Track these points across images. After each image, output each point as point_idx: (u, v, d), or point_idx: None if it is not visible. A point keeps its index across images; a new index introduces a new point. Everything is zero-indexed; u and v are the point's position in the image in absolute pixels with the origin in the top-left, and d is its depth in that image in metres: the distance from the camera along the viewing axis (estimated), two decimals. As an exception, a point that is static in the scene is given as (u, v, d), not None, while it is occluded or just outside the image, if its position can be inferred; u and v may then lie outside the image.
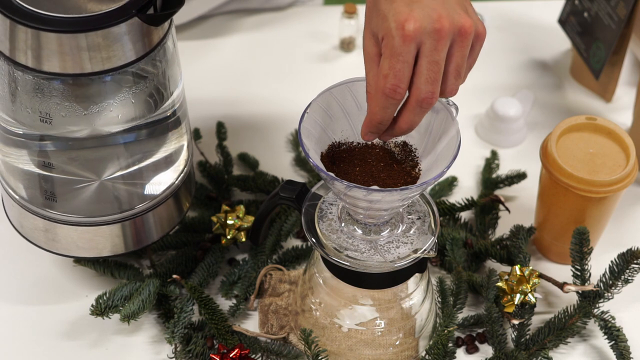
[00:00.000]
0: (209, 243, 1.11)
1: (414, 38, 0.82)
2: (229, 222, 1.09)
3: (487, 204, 1.15)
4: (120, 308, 1.02)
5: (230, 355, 0.99)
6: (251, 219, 1.10)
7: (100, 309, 1.02)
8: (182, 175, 1.05)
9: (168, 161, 1.03)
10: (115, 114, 0.94)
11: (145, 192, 1.02)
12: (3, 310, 1.07)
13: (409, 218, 0.97)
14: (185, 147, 1.05)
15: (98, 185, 0.99)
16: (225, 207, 1.10)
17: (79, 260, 1.08)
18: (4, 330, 1.06)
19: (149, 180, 1.02)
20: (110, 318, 1.03)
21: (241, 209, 1.10)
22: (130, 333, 1.05)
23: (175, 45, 0.99)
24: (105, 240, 1.03)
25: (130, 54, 0.91)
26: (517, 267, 1.05)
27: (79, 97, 0.92)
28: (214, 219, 1.10)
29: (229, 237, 1.10)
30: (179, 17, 1.37)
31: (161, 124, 1.00)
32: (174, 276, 1.07)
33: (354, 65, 1.36)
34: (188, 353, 1.02)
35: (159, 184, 1.03)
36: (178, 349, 1.02)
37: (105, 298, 1.03)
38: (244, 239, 1.10)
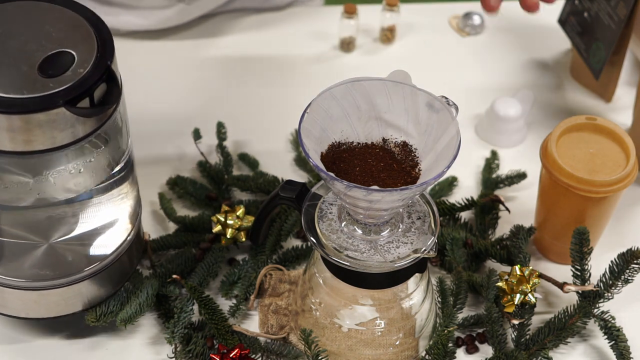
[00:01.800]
0: (209, 243, 1.11)
1: None
2: (229, 222, 1.09)
3: (487, 204, 1.15)
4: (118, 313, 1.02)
5: (231, 355, 0.99)
6: (251, 218, 1.10)
7: (96, 317, 1.02)
8: (131, 233, 1.04)
9: (117, 222, 1.01)
10: (60, 184, 0.92)
11: (94, 254, 1.00)
12: None
13: (409, 218, 0.97)
14: (132, 207, 1.03)
15: (46, 248, 0.97)
16: (225, 207, 1.10)
17: None
18: (4, 330, 1.06)
19: (97, 243, 1.00)
20: (107, 324, 1.03)
21: (241, 208, 1.10)
22: (130, 333, 1.05)
23: (122, 116, 0.96)
24: (55, 303, 1.01)
25: (61, 138, 0.88)
26: (517, 267, 1.05)
27: (21, 168, 0.90)
28: (214, 218, 1.10)
29: (228, 237, 1.09)
30: (179, 18, 1.37)
31: (109, 190, 0.98)
32: (174, 276, 1.07)
33: (354, 65, 1.36)
34: (188, 353, 1.02)
35: (107, 245, 1.01)
36: (178, 349, 1.02)
37: (101, 306, 1.03)
38: (243, 239, 1.10)
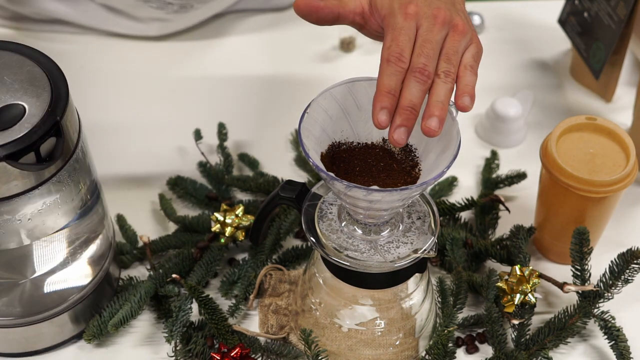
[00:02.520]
0: (207, 242, 1.11)
1: (414, 17, 0.89)
2: (228, 220, 1.10)
3: (487, 204, 1.15)
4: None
5: (231, 355, 0.99)
6: (250, 217, 1.10)
7: (94, 333, 1.02)
8: (108, 258, 1.04)
9: (91, 254, 1.02)
10: (23, 226, 0.92)
11: (70, 287, 1.01)
12: None
13: (409, 218, 0.97)
14: (104, 233, 1.03)
15: (23, 285, 0.98)
16: (224, 206, 1.11)
17: None
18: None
19: (74, 275, 1.01)
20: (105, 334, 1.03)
21: (240, 207, 1.10)
22: (129, 333, 1.05)
23: (84, 152, 0.95)
24: (17, 341, 1.02)
25: (5, 190, 0.88)
26: (517, 267, 1.05)
27: None
28: (213, 217, 1.10)
29: (227, 235, 1.10)
30: (181, 23, 1.37)
31: (79, 226, 0.98)
32: (174, 275, 1.07)
33: (354, 65, 1.36)
34: (188, 352, 1.02)
35: (86, 275, 1.02)
36: (178, 348, 1.02)
37: (98, 322, 1.03)
38: (242, 238, 1.10)
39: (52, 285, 1.00)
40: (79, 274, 1.02)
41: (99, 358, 1.04)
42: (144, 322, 1.06)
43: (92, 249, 1.02)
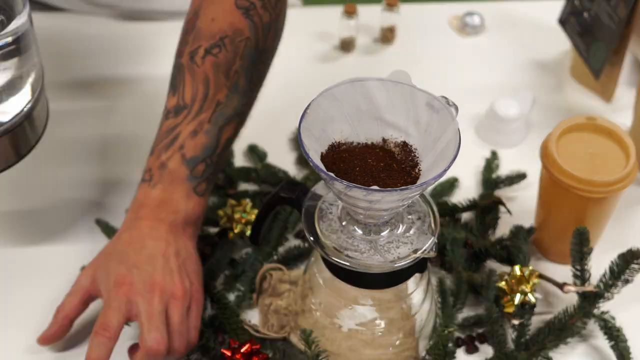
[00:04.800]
0: (217, 238, 1.12)
1: (126, 294, 0.97)
2: (236, 216, 1.10)
3: (489, 205, 1.15)
4: None
5: (242, 350, 0.99)
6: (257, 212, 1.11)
7: None
8: (30, 102, 1.02)
9: (15, 87, 0.99)
10: None
11: None
12: (5, 309, 1.07)
13: (409, 218, 0.97)
14: (33, 75, 1.01)
15: None
16: (231, 202, 1.11)
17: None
18: (8, 330, 1.06)
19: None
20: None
21: (247, 202, 1.11)
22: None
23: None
24: None
25: None
26: (517, 267, 1.05)
27: None
28: (221, 212, 1.11)
29: (236, 231, 1.10)
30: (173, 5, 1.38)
31: (5, 49, 0.96)
32: None
33: (354, 65, 1.36)
34: (199, 348, 1.02)
35: (5, 112, 0.99)
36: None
37: None
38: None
39: None
40: (16, 99, 1.00)
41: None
42: None
43: (29, 75, 1.01)
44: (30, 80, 1.01)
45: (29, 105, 1.02)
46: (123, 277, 0.98)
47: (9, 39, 0.97)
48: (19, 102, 1.01)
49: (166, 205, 1.02)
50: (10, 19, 0.96)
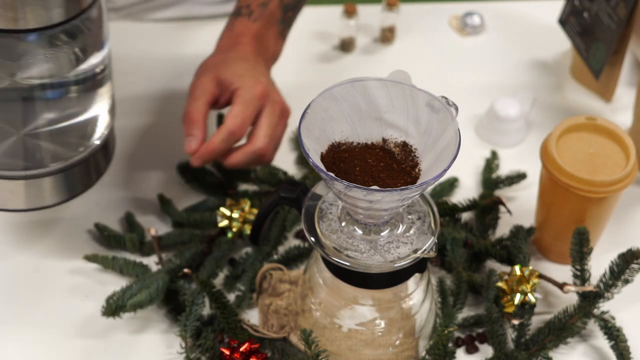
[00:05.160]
0: (215, 236, 1.12)
1: (262, 98, 1.07)
2: (234, 215, 1.10)
3: (489, 205, 1.15)
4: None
5: (241, 350, 0.99)
6: (256, 211, 1.11)
7: (112, 310, 1.02)
8: (101, 138, 1.05)
9: (88, 123, 1.02)
10: (37, 67, 0.94)
11: (62, 151, 1.02)
12: (10, 309, 1.07)
13: (409, 218, 0.97)
14: (106, 111, 1.05)
15: (17, 138, 0.98)
16: (230, 201, 1.11)
17: (88, 258, 1.09)
18: (13, 329, 1.06)
19: (67, 139, 1.01)
20: (121, 318, 1.03)
21: (246, 202, 1.11)
22: (141, 328, 1.05)
23: (101, 10, 1.00)
24: (18, 194, 1.03)
25: (44, 19, 0.91)
26: (517, 267, 1.05)
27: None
28: (220, 212, 1.11)
29: (234, 230, 1.10)
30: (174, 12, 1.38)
31: (84, 84, 1.00)
32: (185, 270, 1.07)
33: (354, 65, 1.36)
34: (198, 347, 1.02)
35: (78, 145, 1.02)
36: (188, 344, 1.02)
37: (115, 298, 1.03)
38: (249, 232, 1.10)
39: (64, 138, 1.02)
40: (86, 132, 1.04)
41: (109, 353, 1.04)
42: (155, 317, 1.06)
43: (104, 111, 1.04)
44: (111, 103, 1.07)
45: (109, 129, 1.08)
46: (256, 80, 1.07)
47: (102, 67, 1.03)
48: (102, 124, 1.07)
49: (261, 40, 1.13)
50: (86, 47, 0.99)
